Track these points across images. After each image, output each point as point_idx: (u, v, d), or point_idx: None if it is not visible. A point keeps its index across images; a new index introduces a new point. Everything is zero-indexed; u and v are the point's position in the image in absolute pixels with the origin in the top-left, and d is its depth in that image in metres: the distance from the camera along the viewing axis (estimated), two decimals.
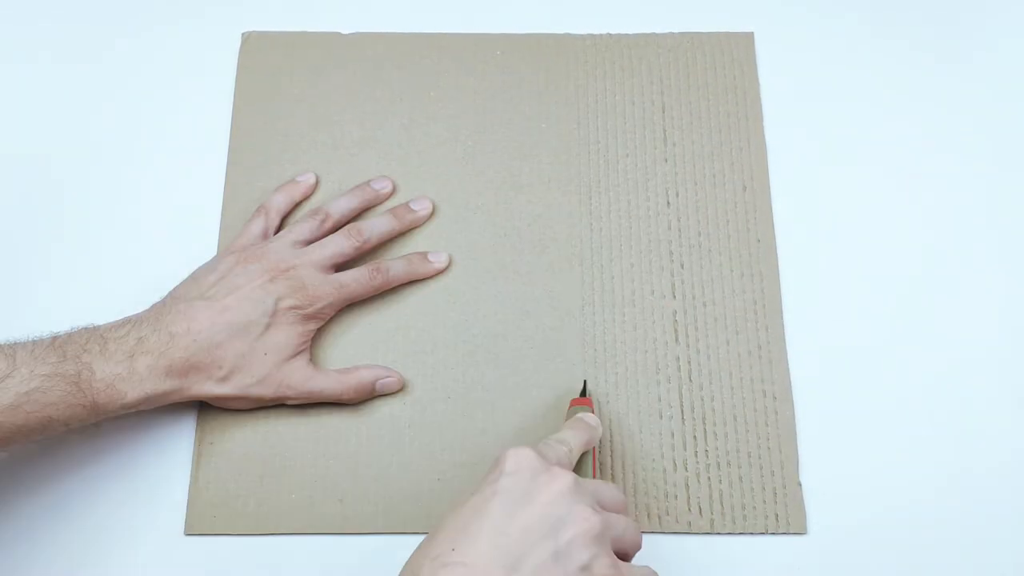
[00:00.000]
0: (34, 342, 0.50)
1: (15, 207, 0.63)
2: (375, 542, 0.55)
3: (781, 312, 0.60)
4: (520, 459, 0.44)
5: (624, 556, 0.45)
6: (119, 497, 0.56)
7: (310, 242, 0.59)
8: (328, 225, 0.60)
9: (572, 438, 0.49)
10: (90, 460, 0.56)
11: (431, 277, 0.61)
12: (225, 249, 0.59)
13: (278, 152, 0.64)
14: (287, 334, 0.55)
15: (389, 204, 0.63)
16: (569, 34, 0.68)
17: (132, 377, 0.51)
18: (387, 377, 0.58)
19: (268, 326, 0.55)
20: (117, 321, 0.53)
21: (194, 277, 0.57)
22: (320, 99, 0.66)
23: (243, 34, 0.68)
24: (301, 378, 0.56)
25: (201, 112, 0.66)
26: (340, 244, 0.58)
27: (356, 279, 0.58)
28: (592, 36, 0.68)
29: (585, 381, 0.58)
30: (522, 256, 0.62)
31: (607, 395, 0.58)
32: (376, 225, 0.60)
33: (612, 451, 0.57)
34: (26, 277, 0.61)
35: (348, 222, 0.61)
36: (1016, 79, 0.67)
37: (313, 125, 0.65)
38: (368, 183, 0.63)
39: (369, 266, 0.59)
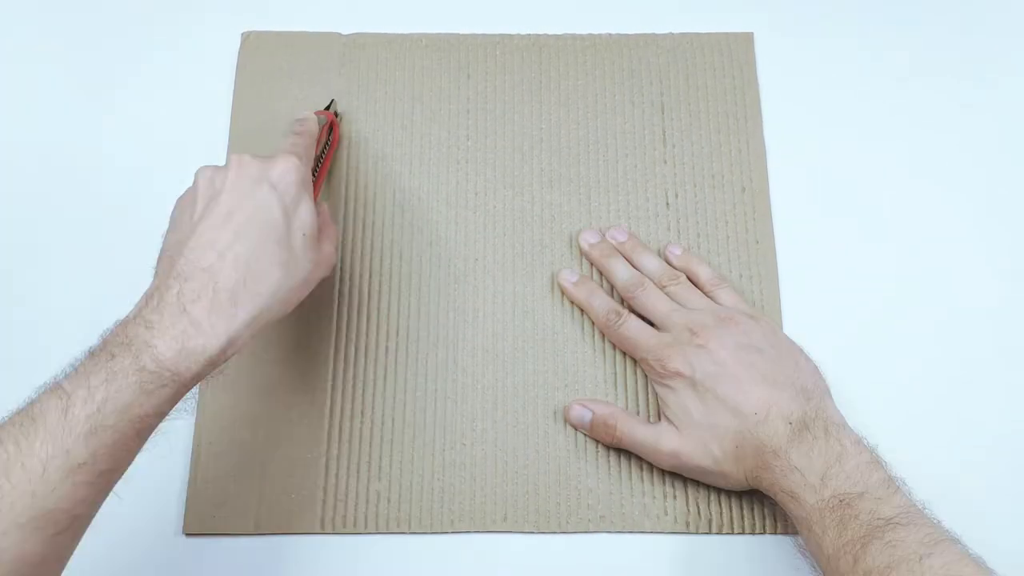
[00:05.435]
0: (71, 367, 0.45)
1: (15, 207, 0.63)
2: (375, 542, 0.55)
3: (780, 313, 0.61)
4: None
5: None
6: (118, 497, 0.56)
7: None
8: None
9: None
10: None
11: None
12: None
13: None
14: (307, 207, 0.51)
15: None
16: (569, 34, 0.68)
17: (200, 328, 0.45)
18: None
19: (284, 207, 0.50)
20: (138, 304, 0.47)
21: (175, 221, 0.51)
22: (320, 99, 0.66)
23: (243, 34, 0.68)
24: (329, 250, 0.53)
25: (201, 112, 0.66)
26: (287, 139, 0.57)
27: (295, 132, 0.57)
28: (592, 36, 0.68)
29: (332, 100, 0.64)
30: (522, 256, 0.62)
31: (607, 395, 0.58)
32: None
33: (612, 450, 0.57)
34: (25, 277, 0.61)
35: None
36: (1016, 76, 0.67)
37: None
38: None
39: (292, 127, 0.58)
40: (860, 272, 0.62)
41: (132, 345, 0.44)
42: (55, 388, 0.43)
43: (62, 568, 0.44)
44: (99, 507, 0.45)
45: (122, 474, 0.45)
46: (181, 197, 0.52)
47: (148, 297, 0.47)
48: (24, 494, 0.40)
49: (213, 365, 0.46)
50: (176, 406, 0.46)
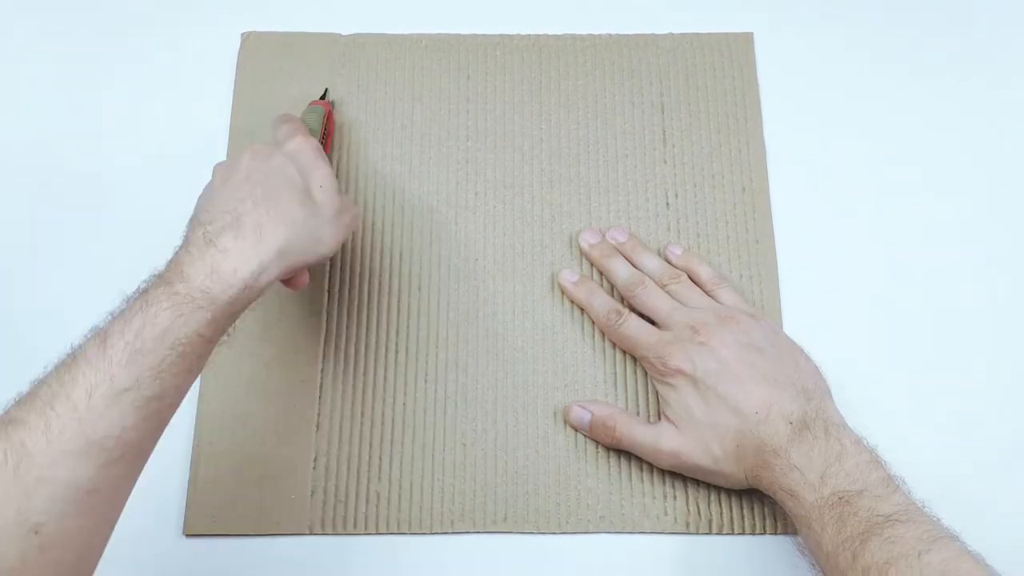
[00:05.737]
0: (109, 315, 0.45)
1: (15, 207, 0.63)
2: (375, 542, 0.55)
3: (780, 313, 0.61)
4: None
5: None
6: None
7: None
8: None
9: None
10: None
11: None
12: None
13: None
14: (324, 169, 0.53)
15: None
16: (569, 34, 0.68)
17: (228, 254, 0.47)
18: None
19: (300, 168, 0.52)
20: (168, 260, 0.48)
21: (198, 200, 0.52)
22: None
23: (243, 34, 0.68)
24: (353, 210, 0.55)
25: (201, 112, 0.66)
26: (280, 127, 0.57)
27: (283, 121, 0.57)
28: (592, 36, 0.68)
29: (327, 89, 0.65)
30: (522, 256, 0.62)
31: (607, 395, 0.58)
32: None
33: (612, 450, 0.57)
34: (25, 277, 0.61)
35: None
36: (1016, 74, 0.67)
37: None
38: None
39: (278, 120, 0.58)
40: (860, 272, 0.62)
41: (163, 278, 0.46)
42: (93, 331, 0.45)
43: (119, 504, 0.44)
44: (153, 440, 0.45)
45: (173, 405, 0.45)
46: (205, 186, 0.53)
47: (176, 249, 0.48)
48: (71, 420, 0.41)
49: (249, 291, 0.47)
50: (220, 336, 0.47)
